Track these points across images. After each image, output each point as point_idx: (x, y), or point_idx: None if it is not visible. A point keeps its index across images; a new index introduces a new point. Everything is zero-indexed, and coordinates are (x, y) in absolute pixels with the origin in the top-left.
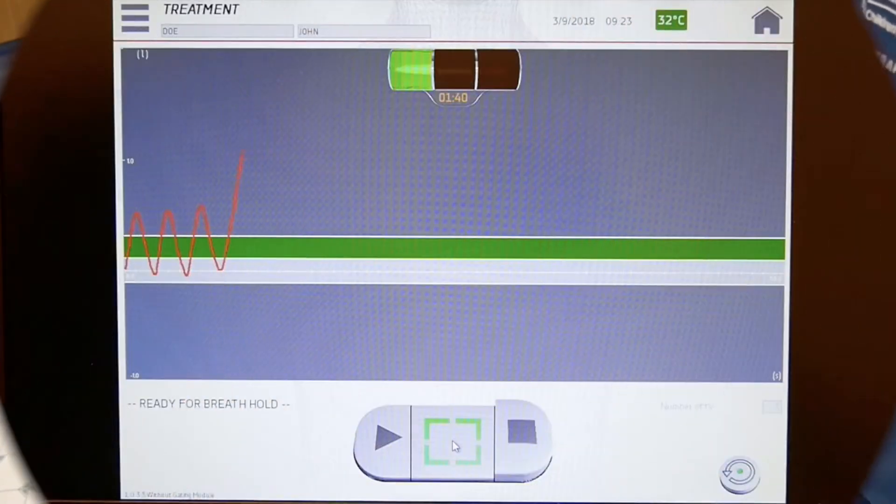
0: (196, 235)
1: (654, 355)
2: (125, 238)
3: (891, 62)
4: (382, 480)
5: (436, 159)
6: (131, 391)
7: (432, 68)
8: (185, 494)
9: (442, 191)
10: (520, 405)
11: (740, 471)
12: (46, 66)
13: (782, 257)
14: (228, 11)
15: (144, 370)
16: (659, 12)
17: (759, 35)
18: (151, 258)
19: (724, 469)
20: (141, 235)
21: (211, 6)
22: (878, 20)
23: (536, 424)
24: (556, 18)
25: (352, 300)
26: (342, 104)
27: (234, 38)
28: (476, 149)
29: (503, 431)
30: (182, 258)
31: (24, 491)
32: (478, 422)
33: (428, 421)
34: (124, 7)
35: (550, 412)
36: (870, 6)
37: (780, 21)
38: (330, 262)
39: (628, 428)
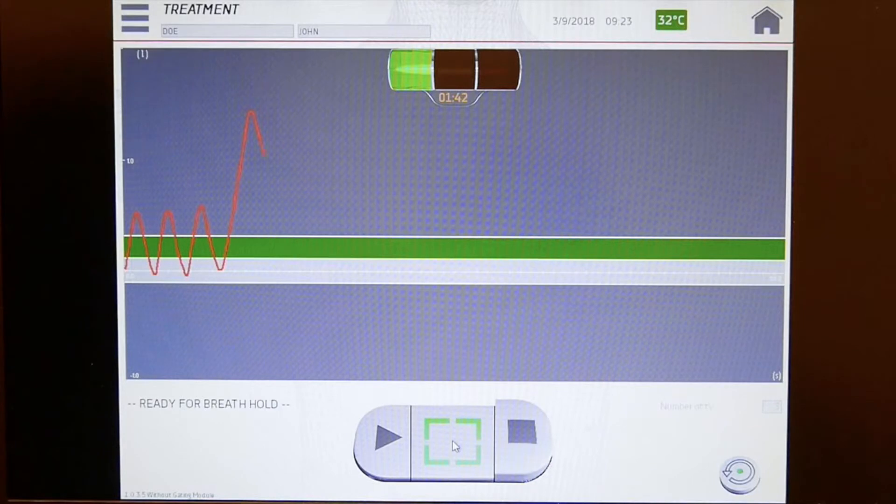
0: (196, 235)
1: (654, 355)
2: (125, 238)
3: None
4: (382, 480)
5: (436, 159)
6: (131, 391)
7: (432, 68)
8: (184, 494)
9: (442, 191)
10: (520, 405)
11: (740, 471)
12: (46, 65)
13: (782, 257)
14: (228, 11)
15: (144, 370)
16: (659, 12)
17: (759, 35)
18: (151, 258)
19: (724, 469)
20: (141, 235)
21: (211, 6)
22: None
23: (536, 424)
24: (556, 18)
25: (352, 300)
26: (342, 104)
27: (234, 38)
28: (476, 149)
29: (503, 431)
30: (182, 258)
31: None
32: (478, 422)
33: (428, 421)
34: (124, 7)
35: (550, 412)
36: None
37: (780, 21)
38: (330, 262)
39: (628, 428)
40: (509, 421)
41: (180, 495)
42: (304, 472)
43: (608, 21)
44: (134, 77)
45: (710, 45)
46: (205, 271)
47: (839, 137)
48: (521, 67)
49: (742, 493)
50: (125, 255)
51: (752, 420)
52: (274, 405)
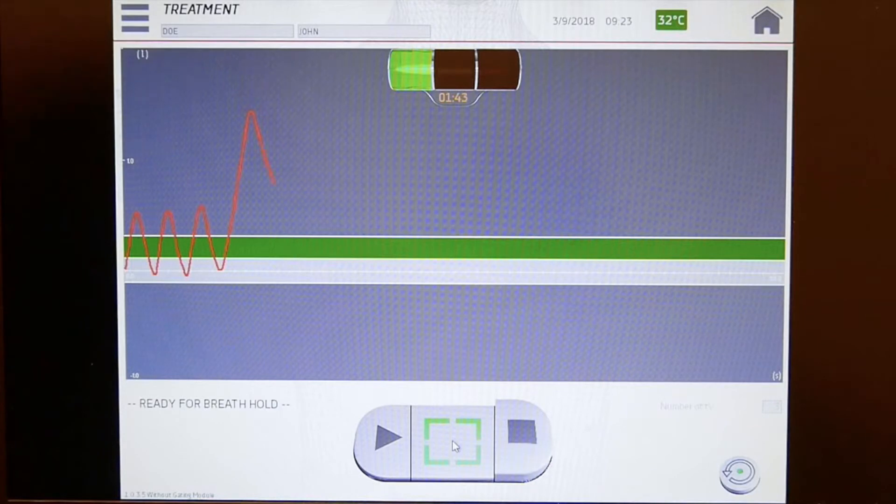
0: (196, 235)
1: (654, 355)
2: (125, 238)
3: None
4: (382, 480)
5: (436, 159)
6: (131, 391)
7: (432, 68)
8: (184, 494)
9: (442, 191)
10: (520, 405)
11: (740, 471)
12: (47, 66)
13: (782, 257)
14: (228, 11)
15: (144, 370)
16: (659, 12)
17: (759, 35)
18: (151, 258)
19: (724, 469)
20: (141, 235)
21: (211, 6)
22: None
23: (536, 424)
24: (556, 18)
25: (352, 300)
26: (342, 104)
27: (234, 38)
28: (476, 149)
29: (503, 431)
30: (182, 258)
31: None
32: (478, 422)
33: (428, 421)
34: (124, 7)
35: (550, 412)
36: None
37: (780, 21)
38: (330, 262)
39: (628, 428)
40: (509, 421)
41: (180, 495)
42: (304, 472)
43: (608, 21)
44: (134, 77)
45: (710, 45)
46: (205, 271)
47: (839, 137)
48: (521, 67)
49: (742, 493)
50: (125, 255)
51: (752, 420)
52: (274, 405)
